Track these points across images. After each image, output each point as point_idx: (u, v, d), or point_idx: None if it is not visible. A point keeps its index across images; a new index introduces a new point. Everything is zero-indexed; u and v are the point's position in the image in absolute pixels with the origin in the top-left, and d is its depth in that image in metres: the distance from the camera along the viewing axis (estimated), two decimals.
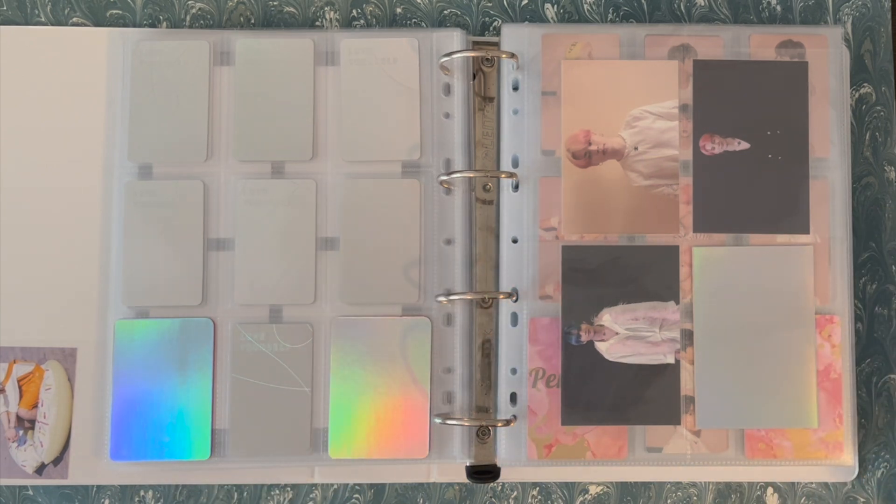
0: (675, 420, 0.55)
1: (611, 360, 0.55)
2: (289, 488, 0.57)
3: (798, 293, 0.55)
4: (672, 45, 0.57)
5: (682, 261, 0.56)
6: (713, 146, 0.56)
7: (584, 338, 0.55)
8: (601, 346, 0.55)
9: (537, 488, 0.58)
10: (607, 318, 0.55)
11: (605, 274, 0.55)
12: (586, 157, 0.56)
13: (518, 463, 0.55)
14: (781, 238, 0.56)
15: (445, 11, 0.61)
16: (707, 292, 0.55)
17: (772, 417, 0.55)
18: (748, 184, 0.56)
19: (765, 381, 0.55)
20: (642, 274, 0.56)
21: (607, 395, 0.55)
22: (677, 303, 0.55)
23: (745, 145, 0.56)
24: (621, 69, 0.57)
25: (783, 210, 0.56)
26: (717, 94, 0.57)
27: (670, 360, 0.55)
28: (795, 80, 0.57)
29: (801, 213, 0.56)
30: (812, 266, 0.55)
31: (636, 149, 0.56)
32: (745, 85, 0.56)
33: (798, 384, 0.55)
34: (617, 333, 0.55)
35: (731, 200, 0.56)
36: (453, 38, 0.58)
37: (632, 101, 0.56)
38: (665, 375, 0.55)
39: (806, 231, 0.56)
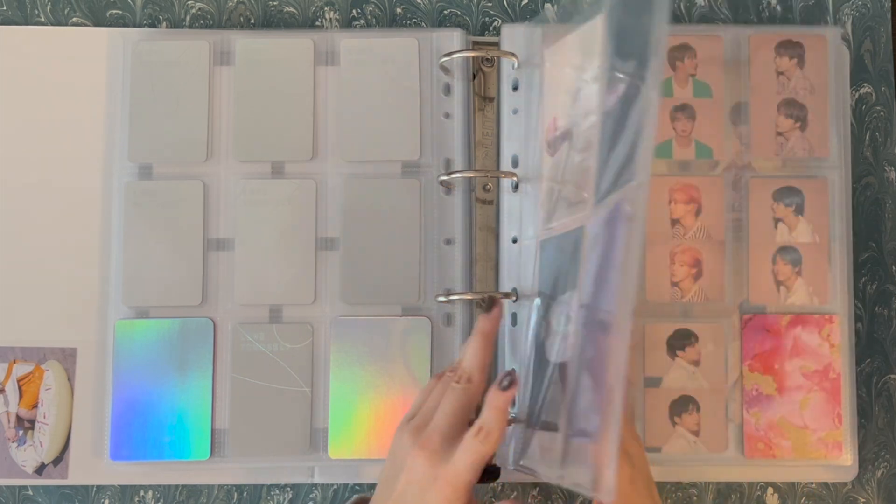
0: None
1: None
2: (289, 488, 0.57)
3: None
4: (672, 44, 0.57)
5: None
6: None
7: None
8: None
9: (537, 488, 0.58)
10: None
11: None
12: (555, 144, 0.54)
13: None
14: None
15: (445, 11, 0.61)
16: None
17: None
18: None
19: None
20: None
21: None
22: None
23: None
24: None
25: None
26: None
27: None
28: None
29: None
30: None
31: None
32: None
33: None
34: None
35: None
36: (453, 38, 0.57)
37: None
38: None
39: None
